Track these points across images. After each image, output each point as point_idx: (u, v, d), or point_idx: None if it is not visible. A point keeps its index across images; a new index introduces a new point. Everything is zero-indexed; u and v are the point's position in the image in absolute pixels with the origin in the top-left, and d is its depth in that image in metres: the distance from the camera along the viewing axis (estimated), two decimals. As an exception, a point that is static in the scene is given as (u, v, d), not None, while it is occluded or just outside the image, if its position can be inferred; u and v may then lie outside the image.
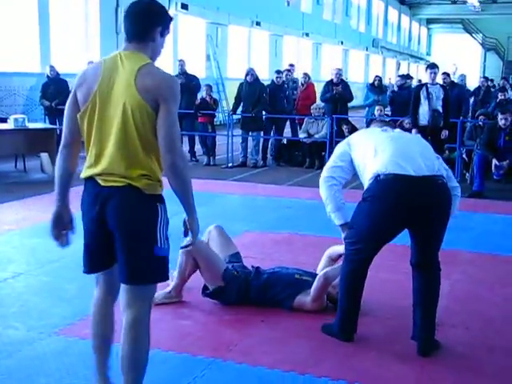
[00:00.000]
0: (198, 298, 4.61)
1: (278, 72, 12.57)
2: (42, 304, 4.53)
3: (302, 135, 12.11)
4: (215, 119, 13.04)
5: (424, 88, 9.11)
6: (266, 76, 20.40)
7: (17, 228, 6.68)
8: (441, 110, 9.09)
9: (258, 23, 23.84)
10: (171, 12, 18.84)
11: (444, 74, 11.70)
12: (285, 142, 12.79)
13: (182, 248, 2.76)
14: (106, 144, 2.70)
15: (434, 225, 3.71)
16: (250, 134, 12.17)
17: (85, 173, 2.78)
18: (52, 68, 12.54)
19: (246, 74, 11.98)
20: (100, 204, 2.72)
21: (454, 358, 3.78)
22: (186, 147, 12.42)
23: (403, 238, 3.89)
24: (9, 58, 13.26)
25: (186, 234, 2.83)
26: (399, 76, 14.34)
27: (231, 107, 12.78)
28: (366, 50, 38.22)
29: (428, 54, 55.72)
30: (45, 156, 9.97)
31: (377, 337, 4.06)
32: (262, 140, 12.27)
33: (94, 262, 2.89)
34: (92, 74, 2.76)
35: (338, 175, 3.86)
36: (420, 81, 19.77)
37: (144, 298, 2.80)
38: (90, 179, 2.76)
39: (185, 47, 20.04)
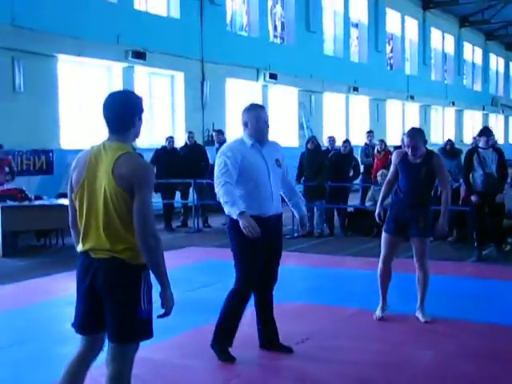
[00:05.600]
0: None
1: (345, 141, 12.43)
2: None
3: (368, 203, 11.61)
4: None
5: (476, 153, 8.47)
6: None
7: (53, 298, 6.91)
8: (495, 175, 8.39)
9: (355, 88, 23.45)
10: (259, 83, 19.01)
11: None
12: (352, 211, 12.30)
13: (158, 317, 3.13)
14: (92, 223, 3.13)
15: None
16: (315, 203, 11.78)
17: (78, 247, 3.23)
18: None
19: (307, 142, 11.85)
20: (91, 275, 3.14)
21: None
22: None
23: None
24: (87, 137, 13.62)
25: (162, 306, 3.11)
26: (474, 137, 13.14)
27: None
28: (483, 109, 36.70)
29: (559, 109, 52.86)
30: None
31: None
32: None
33: (84, 325, 3.24)
34: (82, 160, 3.18)
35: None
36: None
37: (125, 355, 3.15)
38: (83, 251, 3.19)
39: (276, 116, 20.04)
